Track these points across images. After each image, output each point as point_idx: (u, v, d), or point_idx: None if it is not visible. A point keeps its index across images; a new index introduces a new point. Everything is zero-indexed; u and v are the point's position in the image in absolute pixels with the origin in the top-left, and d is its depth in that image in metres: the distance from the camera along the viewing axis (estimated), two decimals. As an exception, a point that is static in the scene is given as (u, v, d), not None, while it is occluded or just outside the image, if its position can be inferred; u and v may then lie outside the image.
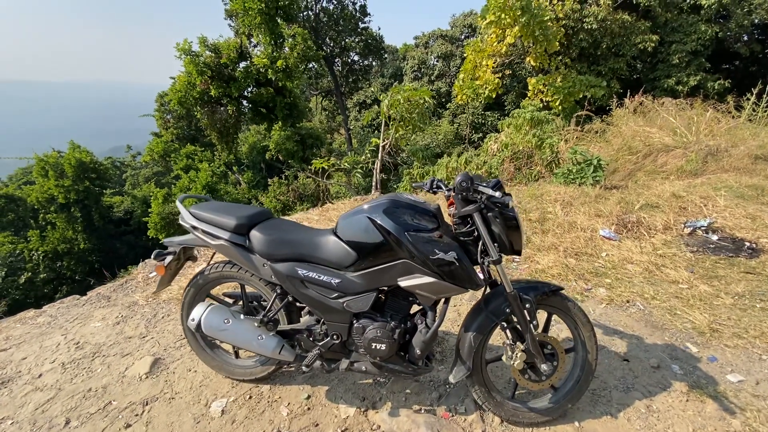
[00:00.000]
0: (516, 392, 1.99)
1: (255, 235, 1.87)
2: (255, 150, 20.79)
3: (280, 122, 13.95)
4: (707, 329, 2.63)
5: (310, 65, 19.53)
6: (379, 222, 1.70)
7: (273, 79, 12.50)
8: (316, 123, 25.54)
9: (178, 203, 2.02)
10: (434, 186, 1.88)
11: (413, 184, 2.14)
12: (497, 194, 1.58)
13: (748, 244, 3.82)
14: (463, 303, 3.01)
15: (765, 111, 7.95)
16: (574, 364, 1.97)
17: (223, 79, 12.49)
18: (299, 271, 1.82)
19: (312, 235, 1.88)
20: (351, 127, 22.87)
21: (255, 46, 13.90)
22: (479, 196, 1.66)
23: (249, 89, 13.35)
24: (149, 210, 15.17)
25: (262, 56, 12.33)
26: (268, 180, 15.55)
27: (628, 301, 3.00)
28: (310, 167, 10.24)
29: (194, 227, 1.95)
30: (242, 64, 12.83)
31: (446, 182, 1.94)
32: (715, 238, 3.95)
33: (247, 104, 14.31)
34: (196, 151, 16.84)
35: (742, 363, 2.34)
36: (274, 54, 12.38)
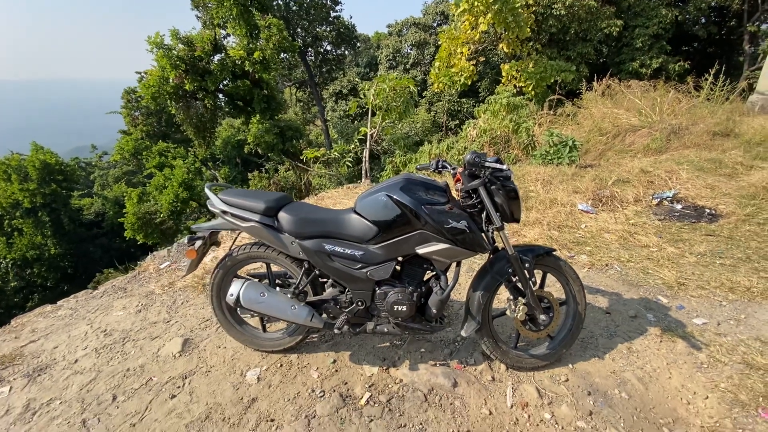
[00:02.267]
0: (518, 343, 2.28)
1: (283, 216, 2.06)
2: (229, 145, 20.44)
3: (258, 115, 13.84)
4: (675, 284, 3.01)
5: (283, 56, 19.29)
6: (396, 198, 1.93)
7: (250, 71, 12.35)
8: (291, 115, 25.28)
9: (207, 190, 2.19)
10: (440, 166, 2.13)
11: (418, 166, 2.37)
12: (504, 167, 1.83)
13: (708, 210, 4.26)
14: (461, 273, 3.29)
15: (721, 90, 8.55)
16: (567, 315, 2.28)
17: (197, 72, 12.25)
18: (326, 247, 2.03)
19: (335, 214, 2.09)
20: (328, 118, 22.77)
21: (225, 37, 13.63)
22: (483, 172, 1.91)
23: (225, 82, 13.14)
24: (123, 211, 14.78)
25: (239, 48, 12.15)
26: (247, 174, 15.39)
27: (606, 265, 3.36)
28: (301, 159, 10.25)
29: (224, 212, 2.12)
30: (217, 57, 12.61)
31: (451, 163, 2.18)
32: (679, 207, 4.37)
33: (223, 97, 14.09)
34: (168, 148, 16.43)
35: (705, 309, 2.73)
36: (251, 45, 12.23)
